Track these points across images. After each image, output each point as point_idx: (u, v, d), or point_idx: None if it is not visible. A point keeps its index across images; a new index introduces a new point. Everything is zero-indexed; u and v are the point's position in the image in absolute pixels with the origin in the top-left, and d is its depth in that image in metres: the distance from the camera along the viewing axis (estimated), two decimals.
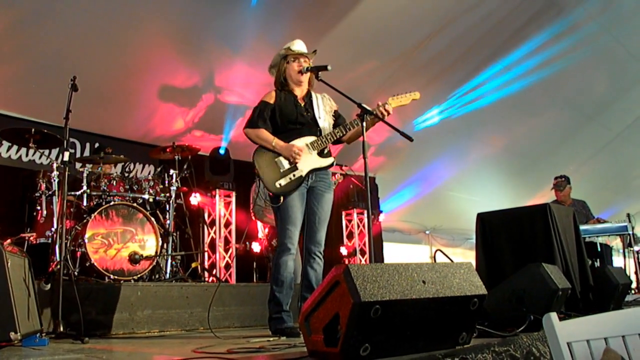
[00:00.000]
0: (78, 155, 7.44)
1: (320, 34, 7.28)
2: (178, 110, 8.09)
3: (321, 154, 4.01)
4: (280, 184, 3.87)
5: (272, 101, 4.03)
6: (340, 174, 7.45)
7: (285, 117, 3.99)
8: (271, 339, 3.58)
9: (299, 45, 4.10)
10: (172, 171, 6.09)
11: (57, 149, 6.43)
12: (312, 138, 3.98)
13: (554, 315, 1.60)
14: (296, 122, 4.00)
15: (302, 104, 4.08)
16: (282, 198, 3.87)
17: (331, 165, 4.06)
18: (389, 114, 3.84)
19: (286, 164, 3.91)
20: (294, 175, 3.89)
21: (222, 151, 8.21)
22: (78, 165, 5.76)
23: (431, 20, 7.90)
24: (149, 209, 5.70)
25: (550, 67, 9.73)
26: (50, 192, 5.43)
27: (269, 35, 6.93)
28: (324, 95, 4.20)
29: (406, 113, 9.08)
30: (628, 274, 6.88)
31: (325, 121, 4.07)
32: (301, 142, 3.95)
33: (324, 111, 4.09)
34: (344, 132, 3.96)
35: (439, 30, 8.11)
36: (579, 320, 1.68)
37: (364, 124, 3.65)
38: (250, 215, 6.80)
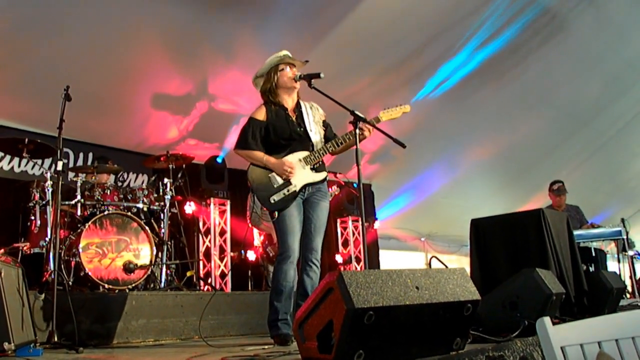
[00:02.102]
0: (71, 165, 7.42)
1: (315, 41, 7.29)
2: (172, 118, 8.08)
3: (314, 168, 4.01)
4: (274, 200, 3.87)
5: (262, 118, 3.99)
6: (338, 186, 7.49)
7: (279, 134, 3.97)
8: (266, 347, 3.57)
9: (289, 55, 4.11)
10: (166, 180, 6.08)
11: (51, 158, 6.41)
12: (305, 153, 3.98)
13: (547, 320, 1.60)
14: (290, 138, 3.99)
15: (293, 117, 4.05)
16: (276, 213, 3.87)
17: (324, 179, 4.07)
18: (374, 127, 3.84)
19: (279, 180, 3.90)
20: (288, 191, 3.89)
21: (219, 160, 8.22)
22: (71, 174, 5.75)
23: (427, 27, 7.92)
24: (143, 218, 5.69)
25: (543, 73, 9.78)
26: (44, 202, 5.39)
27: (263, 42, 6.94)
28: (312, 104, 4.19)
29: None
30: (622, 278, 6.89)
31: (316, 134, 4.07)
32: (294, 158, 3.95)
33: (314, 122, 4.09)
34: (336, 147, 3.98)
35: (434, 37, 8.13)
36: (573, 325, 1.69)
37: (357, 131, 3.67)
38: (247, 221, 6.81)
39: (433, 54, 8.42)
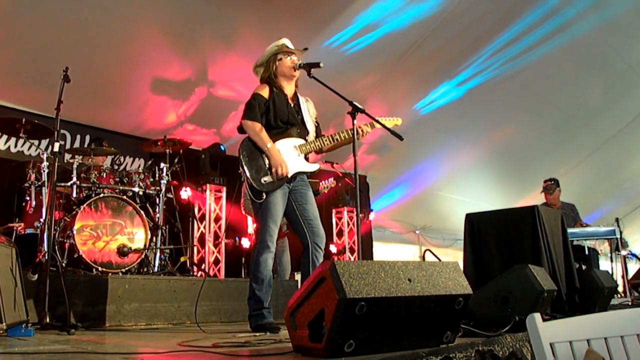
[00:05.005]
0: (68, 146, 7.40)
1: (316, 29, 7.27)
2: (170, 103, 8.05)
3: (306, 158, 4.05)
4: (265, 181, 3.84)
5: (266, 95, 4.00)
6: (335, 179, 7.51)
7: (278, 115, 3.98)
8: (257, 334, 3.58)
9: (288, 43, 4.12)
10: (162, 165, 6.07)
11: (47, 139, 6.39)
12: (301, 141, 4.02)
13: (537, 316, 1.61)
14: (287, 122, 4.01)
15: (292, 105, 4.09)
16: (264, 195, 3.86)
17: (316, 171, 4.10)
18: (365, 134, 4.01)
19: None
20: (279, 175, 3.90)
21: (222, 148, 8.21)
22: (68, 156, 5.73)
23: (427, 20, 7.91)
24: (138, 202, 5.68)
25: (544, 72, 9.77)
26: (39, 183, 5.38)
27: (264, 28, 6.91)
28: (307, 100, 4.23)
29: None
30: (615, 277, 6.91)
31: (311, 125, 4.11)
32: (290, 143, 3.97)
33: (309, 115, 4.14)
34: (331, 142, 4.04)
35: (435, 30, 8.11)
36: (562, 322, 1.69)
37: (355, 121, 3.67)
38: (241, 209, 6.81)
39: (433, 45, 8.41)
